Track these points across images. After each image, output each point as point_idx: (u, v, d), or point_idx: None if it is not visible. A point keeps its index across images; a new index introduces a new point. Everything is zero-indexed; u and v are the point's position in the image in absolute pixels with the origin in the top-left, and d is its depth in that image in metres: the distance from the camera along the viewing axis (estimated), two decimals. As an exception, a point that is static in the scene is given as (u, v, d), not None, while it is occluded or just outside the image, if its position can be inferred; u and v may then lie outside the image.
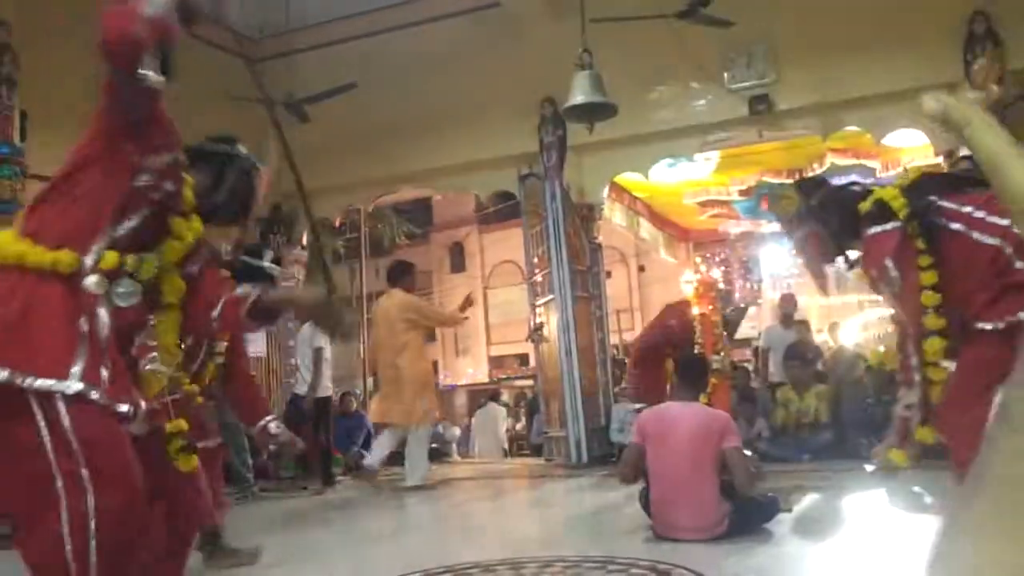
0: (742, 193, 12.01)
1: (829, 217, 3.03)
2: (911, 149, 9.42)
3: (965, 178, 2.91)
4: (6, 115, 7.17)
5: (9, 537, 5.39)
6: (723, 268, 14.53)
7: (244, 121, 9.63)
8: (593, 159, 9.01)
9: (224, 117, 9.46)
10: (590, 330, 8.55)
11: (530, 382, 14.18)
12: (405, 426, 7.08)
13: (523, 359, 18.72)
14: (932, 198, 2.81)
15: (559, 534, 4.59)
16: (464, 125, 9.15)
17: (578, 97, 7.05)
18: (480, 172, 9.59)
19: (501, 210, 17.28)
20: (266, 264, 4.12)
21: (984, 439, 1.63)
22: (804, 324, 9.35)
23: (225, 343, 3.94)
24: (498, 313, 20.19)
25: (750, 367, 9.92)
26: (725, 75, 8.39)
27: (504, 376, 19.30)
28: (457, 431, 10.53)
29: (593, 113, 7.24)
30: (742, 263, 14.67)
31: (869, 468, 3.32)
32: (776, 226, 13.67)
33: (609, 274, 9.67)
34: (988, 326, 2.65)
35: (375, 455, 7.34)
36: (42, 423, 1.78)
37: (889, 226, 2.83)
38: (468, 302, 7.92)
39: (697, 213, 13.12)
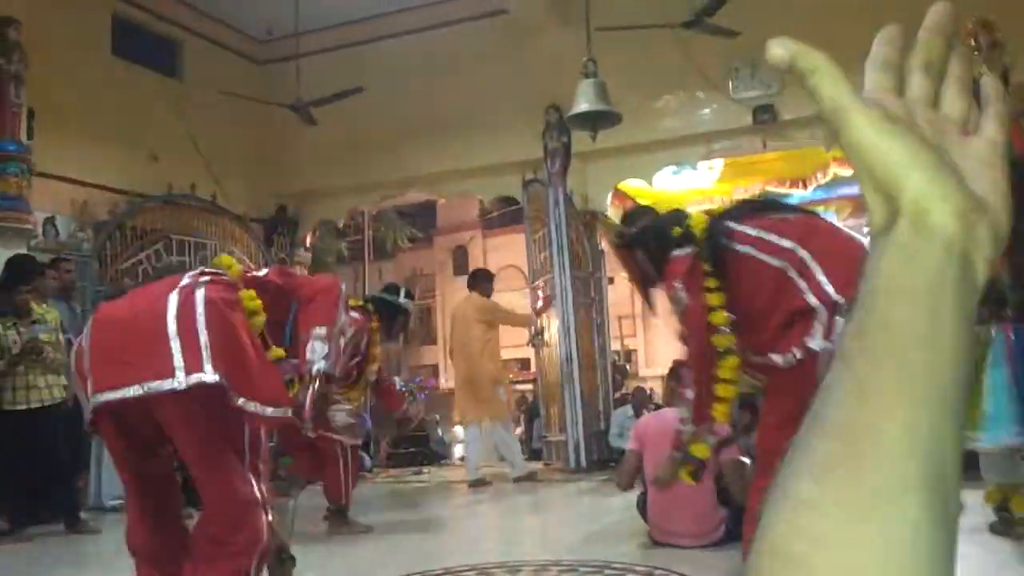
0: (745, 202, 12.04)
1: (647, 243, 3.11)
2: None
3: (778, 204, 3.11)
4: (14, 112, 7.22)
5: (8, 534, 5.39)
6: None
7: (249, 120, 9.75)
8: (597, 166, 9.05)
9: (227, 115, 9.57)
10: (591, 335, 8.58)
11: (530, 386, 14.19)
12: (481, 419, 7.58)
13: (524, 363, 18.75)
14: (728, 222, 2.90)
15: (556, 538, 4.61)
16: (469, 130, 9.20)
17: (583, 105, 7.08)
18: (484, 177, 9.63)
19: (505, 215, 17.30)
20: (401, 300, 5.36)
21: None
22: None
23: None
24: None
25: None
26: (730, 84, 8.43)
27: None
28: (460, 432, 10.57)
29: (597, 121, 7.27)
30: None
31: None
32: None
33: (611, 280, 9.68)
34: (780, 360, 2.70)
35: (473, 459, 7.64)
36: None
37: (684, 250, 2.92)
38: (546, 304, 8.47)
39: (700, 221, 13.14)
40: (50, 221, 7.85)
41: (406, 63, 9.31)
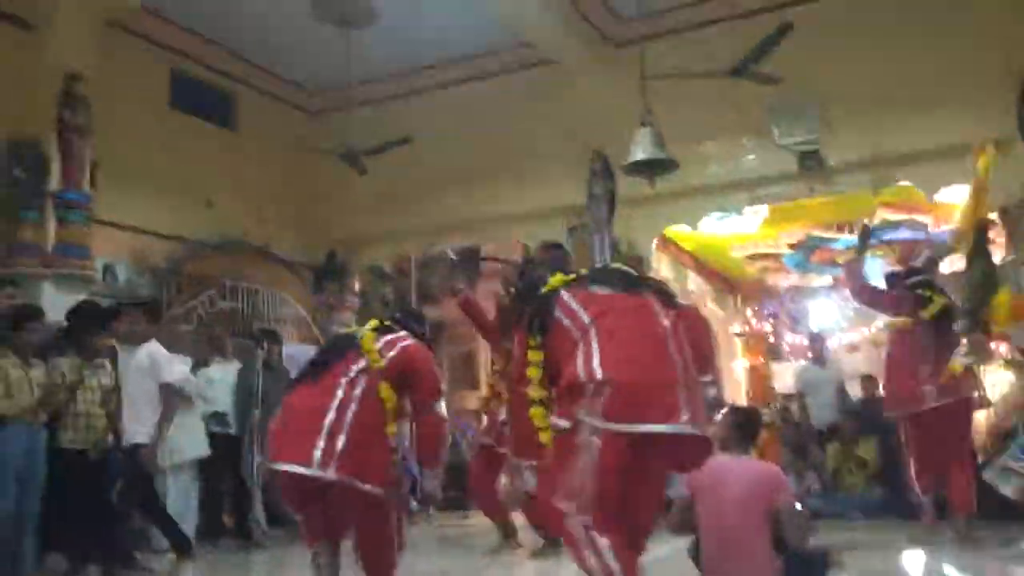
0: (791, 247, 11.97)
1: (527, 296, 3.40)
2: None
3: (615, 277, 3.32)
4: (79, 164, 7.49)
5: (68, 573, 5.44)
6: (771, 320, 14.41)
7: (300, 169, 9.99)
8: (642, 212, 9.09)
9: (279, 164, 9.83)
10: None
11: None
12: None
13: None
14: (559, 289, 3.19)
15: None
16: (514, 176, 9.34)
17: (639, 153, 7.16)
18: (528, 223, 9.70)
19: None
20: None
21: None
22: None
23: None
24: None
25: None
26: (775, 130, 8.45)
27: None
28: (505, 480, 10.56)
29: (653, 169, 7.36)
30: (790, 316, 14.54)
31: None
32: (826, 279, 13.63)
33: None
34: (562, 423, 2.98)
35: None
36: None
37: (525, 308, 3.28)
38: None
39: (745, 266, 13.09)
40: (109, 269, 8.09)
41: (453, 112, 9.50)
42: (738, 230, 10.99)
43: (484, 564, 5.94)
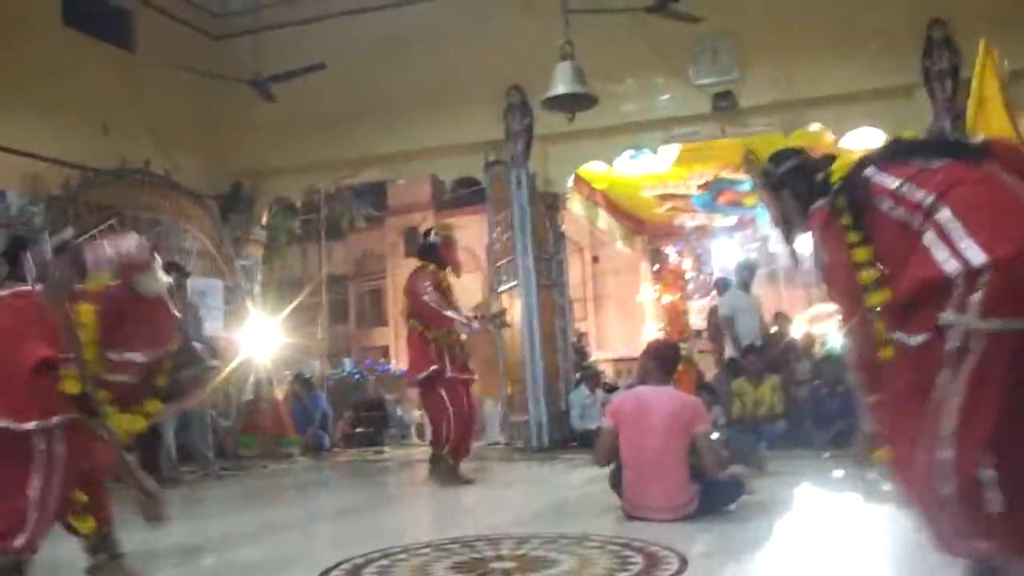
0: (700, 187, 12.20)
1: (794, 185, 2.79)
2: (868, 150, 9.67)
3: (929, 145, 2.69)
4: None
5: None
6: (679, 260, 14.77)
7: (204, 95, 9.56)
8: (559, 149, 9.08)
9: (181, 90, 9.37)
10: (552, 317, 8.66)
11: (484, 368, 14.26)
12: None
13: (475, 346, 18.81)
14: (867, 170, 2.53)
15: (531, 514, 4.67)
16: (431, 110, 9.15)
17: (560, 87, 7.10)
18: (445, 157, 9.61)
19: (457, 197, 17.28)
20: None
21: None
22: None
23: None
24: (451, 300, 20.18)
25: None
26: (690, 70, 8.53)
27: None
28: (417, 414, 10.61)
29: (573, 103, 7.31)
30: (696, 256, 14.90)
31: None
32: (730, 220, 13.98)
33: (562, 264, 9.81)
34: (909, 340, 2.28)
35: None
36: None
37: (822, 201, 2.61)
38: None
39: (655, 206, 13.29)
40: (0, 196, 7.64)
41: (368, 40, 9.21)
42: (649, 170, 11.13)
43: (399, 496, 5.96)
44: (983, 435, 2.08)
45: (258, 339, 9.44)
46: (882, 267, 2.43)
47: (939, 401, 2.14)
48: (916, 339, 2.24)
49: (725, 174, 11.61)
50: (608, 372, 10.94)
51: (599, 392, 8.68)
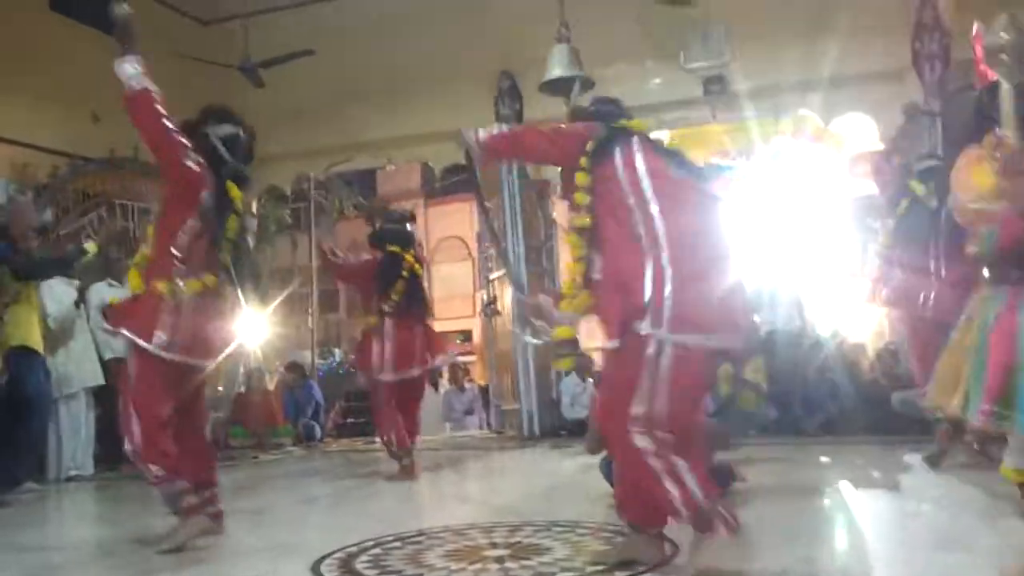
0: (690, 173, 12.18)
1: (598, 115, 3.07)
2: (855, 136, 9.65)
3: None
4: None
5: None
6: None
7: (193, 82, 9.47)
8: (550, 134, 9.03)
9: (170, 76, 9.24)
10: (544, 304, 8.64)
11: (472, 358, 14.25)
12: None
13: (467, 335, 18.74)
14: (634, 134, 2.84)
15: (523, 501, 4.68)
16: (421, 95, 9.11)
17: (556, 71, 7.03)
18: (436, 143, 9.54)
19: (447, 185, 17.19)
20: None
21: None
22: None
23: None
24: (442, 288, 20.13)
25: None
26: (682, 54, 8.49)
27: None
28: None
29: (567, 87, 7.27)
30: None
31: None
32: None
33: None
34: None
35: None
36: None
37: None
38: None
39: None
40: (-13, 183, 7.58)
41: (357, 26, 9.14)
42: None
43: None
44: None
45: (248, 329, 9.40)
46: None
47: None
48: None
49: (716, 160, 11.58)
50: (598, 360, 10.92)
51: (590, 380, 8.67)
